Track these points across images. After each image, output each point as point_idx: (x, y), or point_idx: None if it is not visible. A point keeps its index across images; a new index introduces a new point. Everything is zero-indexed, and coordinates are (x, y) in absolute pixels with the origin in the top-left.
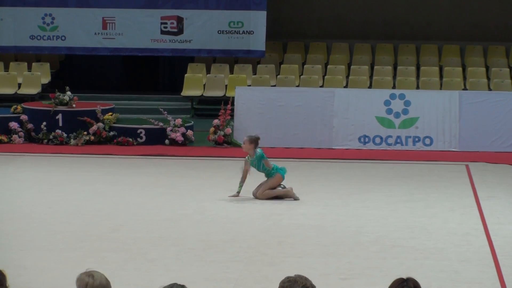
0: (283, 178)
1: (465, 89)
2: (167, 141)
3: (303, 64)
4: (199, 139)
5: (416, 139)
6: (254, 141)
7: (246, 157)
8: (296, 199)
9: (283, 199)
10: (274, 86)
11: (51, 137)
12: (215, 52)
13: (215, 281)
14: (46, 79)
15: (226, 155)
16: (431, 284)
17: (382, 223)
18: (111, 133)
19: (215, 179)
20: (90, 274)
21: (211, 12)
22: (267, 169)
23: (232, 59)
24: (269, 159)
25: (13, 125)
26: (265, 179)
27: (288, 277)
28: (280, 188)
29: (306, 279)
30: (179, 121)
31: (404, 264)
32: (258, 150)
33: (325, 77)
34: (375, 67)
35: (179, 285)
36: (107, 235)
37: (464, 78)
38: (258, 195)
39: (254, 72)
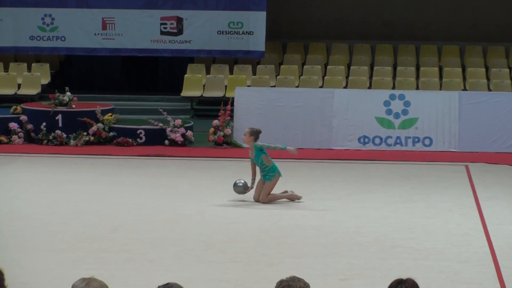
0: (280, 176)
1: (464, 89)
2: (166, 142)
3: (303, 64)
4: (198, 140)
5: (416, 140)
6: (254, 133)
7: (250, 153)
8: (298, 198)
9: (283, 200)
10: (274, 86)
11: (50, 137)
12: (215, 53)
13: (214, 281)
14: (45, 80)
15: (225, 156)
16: (431, 284)
17: (382, 224)
18: (111, 134)
19: (215, 180)
20: (84, 279)
21: (210, 12)
22: (265, 165)
23: (232, 59)
24: (270, 147)
25: (13, 125)
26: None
27: (281, 281)
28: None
29: (299, 280)
30: (178, 121)
31: (403, 264)
32: (259, 144)
33: (325, 77)
34: (375, 67)
35: (173, 284)
36: (107, 235)
37: (464, 78)
38: (261, 200)
39: (254, 73)
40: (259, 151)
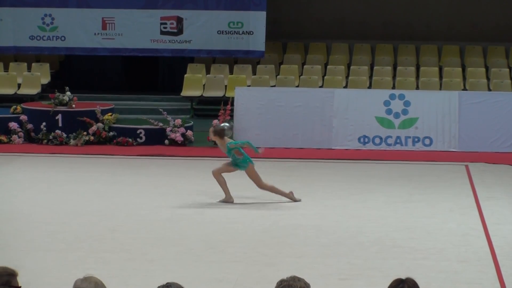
0: (252, 164)
1: (464, 89)
2: (166, 142)
3: (303, 64)
4: (198, 140)
5: (416, 140)
6: (217, 133)
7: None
8: (297, 200)
9: (283, 200)
10: (274, 86)
11: (50, 137)
12: (215, 53)
13: (214, 281)
14: (45, 80)
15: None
16: (431, 284)
17: (382, 224)
18: (111, 134)
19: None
20: (83, 278)
21: (210, 12)
22: (237, 157)
23: (232, 59)
24: (239, 147)
25: (13, 125)
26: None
27: (281, 280)
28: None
29: (299, 280)
30: (178, 121)
31: (403, 264)
32: (231, 145)
33: (325, 77)
34: (375, 67)
35: (173, 284)
36: (107, 235)
37: (464, 78)
38: (258, 188)
39: (254, 73)
40: (229, 151)
